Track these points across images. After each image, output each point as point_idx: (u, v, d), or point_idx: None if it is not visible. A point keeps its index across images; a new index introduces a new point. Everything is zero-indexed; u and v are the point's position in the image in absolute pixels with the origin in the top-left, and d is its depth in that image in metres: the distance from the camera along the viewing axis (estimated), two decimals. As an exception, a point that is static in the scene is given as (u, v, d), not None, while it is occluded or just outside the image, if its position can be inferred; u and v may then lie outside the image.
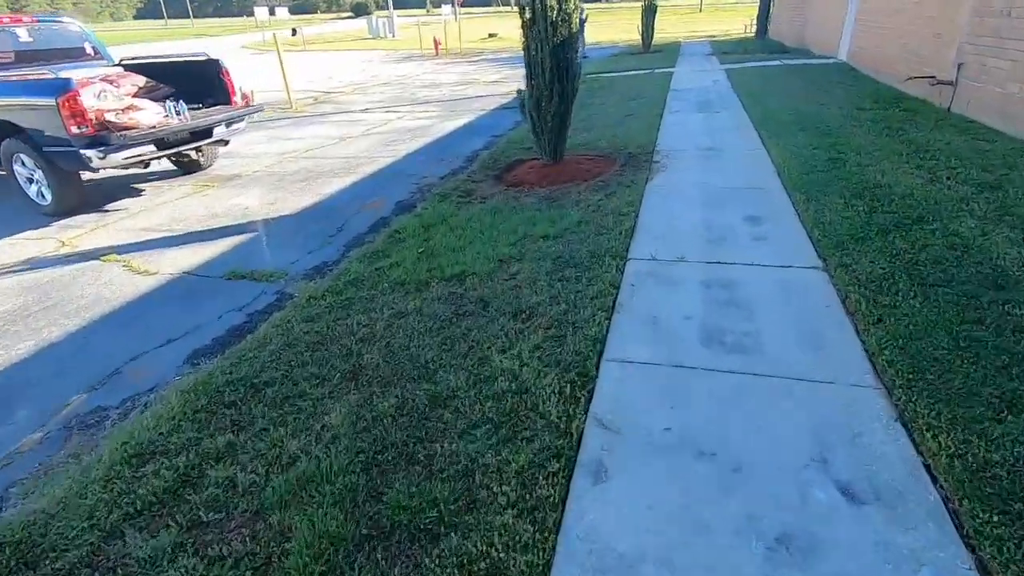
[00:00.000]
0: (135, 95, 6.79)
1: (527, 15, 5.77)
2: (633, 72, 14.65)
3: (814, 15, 16.78)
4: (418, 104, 12.99)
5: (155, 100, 6.76)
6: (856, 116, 7.80)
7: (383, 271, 4.16)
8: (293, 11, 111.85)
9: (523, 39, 5.89)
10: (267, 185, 7.03)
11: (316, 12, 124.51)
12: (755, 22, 27.28)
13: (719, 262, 3.78)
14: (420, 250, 4.50)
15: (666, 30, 29.92)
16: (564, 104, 6.03)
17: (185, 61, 7.26)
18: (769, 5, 19.97)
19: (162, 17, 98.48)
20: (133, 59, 7.46)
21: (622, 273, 3.71)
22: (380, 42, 39.03)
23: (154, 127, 5.98)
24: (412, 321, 3.41)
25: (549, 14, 5.65)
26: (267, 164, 8.13)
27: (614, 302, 3.36)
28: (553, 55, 5.76)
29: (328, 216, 5.75)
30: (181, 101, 6.40)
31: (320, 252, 4.87)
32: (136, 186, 7.38)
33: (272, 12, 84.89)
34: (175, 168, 7.90)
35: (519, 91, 6.22)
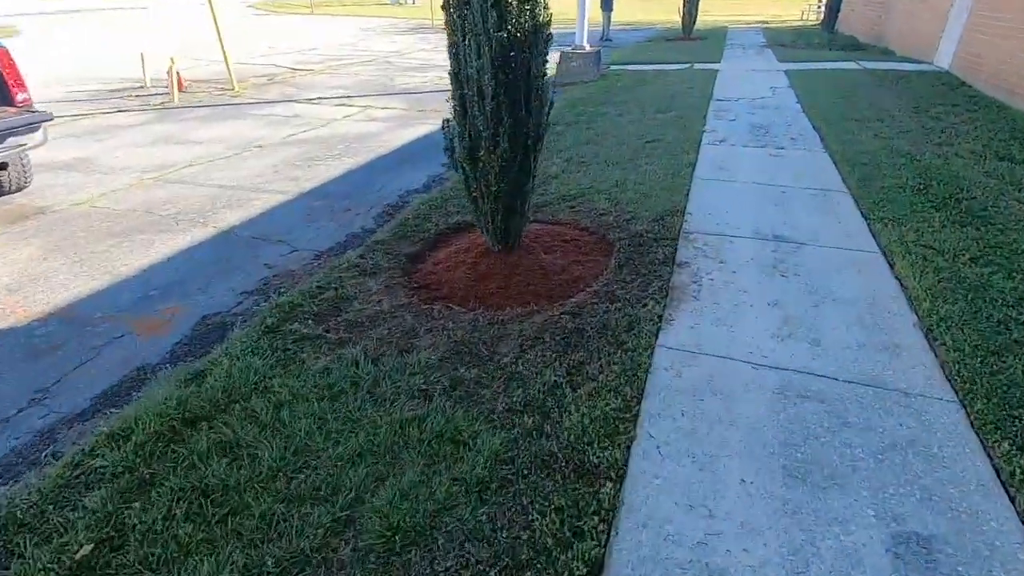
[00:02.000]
0: None
1: (454, -16, 2.99)
2: (667, 67, 11.61)
3: (901, 3, 13.42)
4: (388, 95, 10.21)
5: None
6: (1012, 176, 4.86)
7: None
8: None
9: (447, 30, 3.12)
10: (52, 242, 4.39)
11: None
12: (818, 6, 23.65)
13: None
14: (80, 552, 1.86)
15: (710, 11, 26.36)
16: (520, 155, 3.27)
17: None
18: (843, -12, 16.47)
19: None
20: None
21: None
22: (398, 10, 35.93)
23: None
24: None
25: (493, -14, 2.86)
26: (105, 191, 5.51)
27: None
28: (499, 65, 2.98)
29: (50, 351, 3.10)
30: None
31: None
32: None
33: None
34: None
35: (446, 122, 3.45)
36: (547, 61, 3.14)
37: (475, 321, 3.09)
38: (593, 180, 5.14)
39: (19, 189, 5.44)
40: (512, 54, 3.00)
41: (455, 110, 3.28)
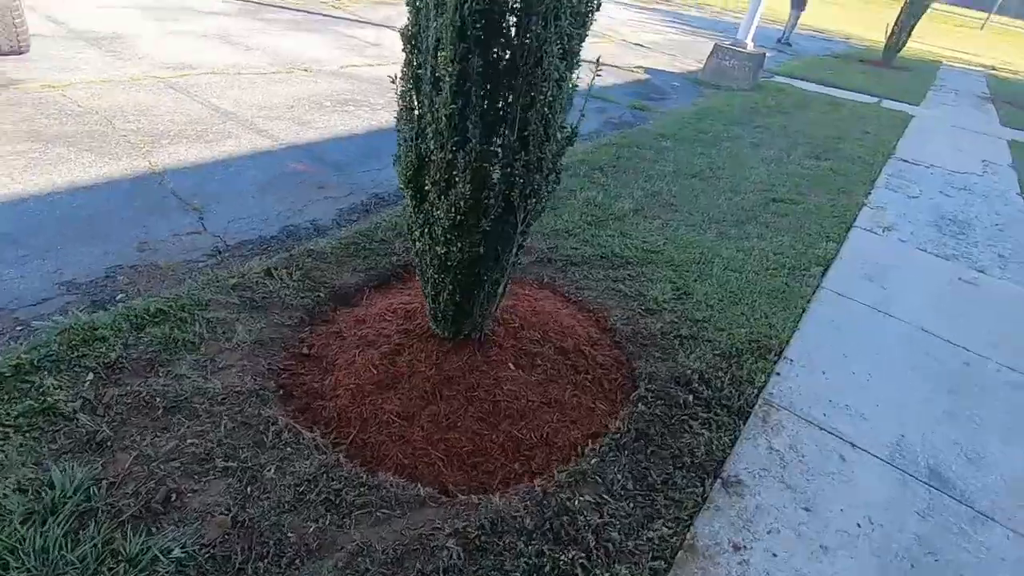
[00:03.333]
0: None
1: None
2: (846, 95, 9.13)
3: None
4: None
5: None
6: None
7: None
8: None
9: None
10: (-27, 127, 3.52)
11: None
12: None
13: None
14: None
15: (924, 39, 21.92)
16: (500, 207, 1.77)
17: None
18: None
19: None
20: None
21: None
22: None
23: None
24: None
25: None
26: (95, 79, 4.61)
27: None
28: (477, 38, 1.47)
29: None
30: None
31: None
32: None
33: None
34: None
35: (399, 120, 2.00)
36: (576, 54, 1.57)
37: (312, 484, 1.71)
38: (668, 240, 3.48)
39: (14, 52, 4.70)
40: (504, 24, 1.48)
41: (403, 97, 1.82)
